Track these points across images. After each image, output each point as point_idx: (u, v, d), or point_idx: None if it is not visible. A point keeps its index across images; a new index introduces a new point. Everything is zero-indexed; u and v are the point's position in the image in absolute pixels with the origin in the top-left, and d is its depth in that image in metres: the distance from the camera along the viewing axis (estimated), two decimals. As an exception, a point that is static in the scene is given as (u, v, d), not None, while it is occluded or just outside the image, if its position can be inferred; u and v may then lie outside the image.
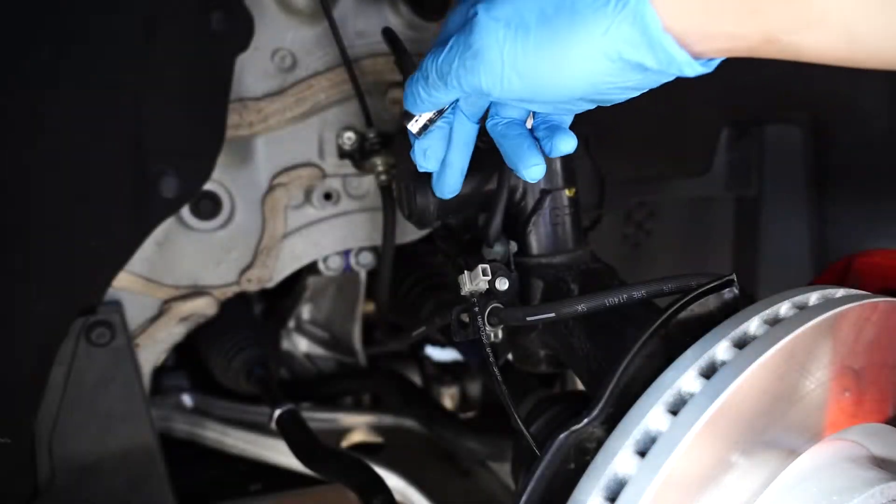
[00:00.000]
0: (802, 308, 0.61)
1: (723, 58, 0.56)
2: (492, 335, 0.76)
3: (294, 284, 1.36)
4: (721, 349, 0.57)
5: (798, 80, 1.26)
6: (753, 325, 0.59)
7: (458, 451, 1.28)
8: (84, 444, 0.99)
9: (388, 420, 1.35)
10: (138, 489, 1.03)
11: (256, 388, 1.16)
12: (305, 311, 1.40)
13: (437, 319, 1.03)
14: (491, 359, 0.73)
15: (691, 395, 0.55)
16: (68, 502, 0.98)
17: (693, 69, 0.56)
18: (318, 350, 1.41)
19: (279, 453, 1.25)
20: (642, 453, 0.54)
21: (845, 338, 0.60)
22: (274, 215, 1.06)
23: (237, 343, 1.20)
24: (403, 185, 0.85)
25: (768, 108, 1.35)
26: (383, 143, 1.04)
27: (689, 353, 0.58)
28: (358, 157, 1.06)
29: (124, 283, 1.01)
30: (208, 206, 1.04)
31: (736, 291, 0.64)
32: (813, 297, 0.62)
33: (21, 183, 0.86)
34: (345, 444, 1.32)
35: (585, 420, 0.60)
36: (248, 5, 0.95)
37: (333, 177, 1.09)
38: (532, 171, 0.67)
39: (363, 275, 1.29)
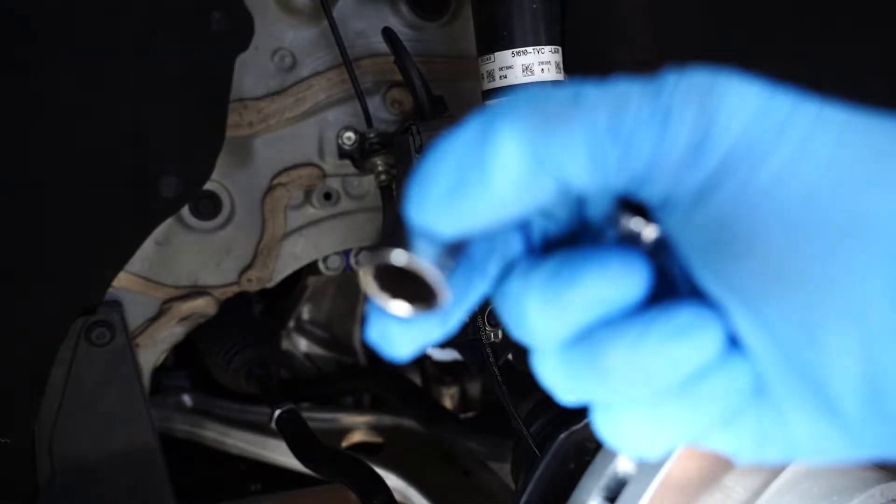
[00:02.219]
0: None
1: None
2: (492, 335, 0.76)
3: (294, 284, 1.36)
4: (721, 349, 0.57)
5: (798, 79, 1.26)
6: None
7: (458, 451, 1.28)
8: (84, 445, 0.99)
9: (388, 420, 1.35)
10: (138, 489, 1.02)
11: (256, 388, 1.16)
12: (305, 311, 1.40)
13: (437, 319, 1.02)
14: (491, 359, 0.73)
15: (691, 395, 0.55)
16: (68, 502, 0.98)
17: None
18: (318, 350, 1.41)
19: (279, 453, 1.24)
20: (642, 453, 0.54)
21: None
22: (274, 215, 1.06)
23: (237, 343, 1.20)
24: (404, 185, 0.85)
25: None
26: (383, 143, 1.04)
27: (689, 352, 0.58)
28: (358, 157, 1.06)
29: (124, 283, 1.01)
30: (208, 206, 1.04)
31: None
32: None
33: (20, 183, 0.86)
34: (345, 444, 1.32)
35: (585, 420, 0.59)
36: (248, 5, 0.95)
37: (333, 177, 1.08)
38: None
39: (363, 275, 1.29)
